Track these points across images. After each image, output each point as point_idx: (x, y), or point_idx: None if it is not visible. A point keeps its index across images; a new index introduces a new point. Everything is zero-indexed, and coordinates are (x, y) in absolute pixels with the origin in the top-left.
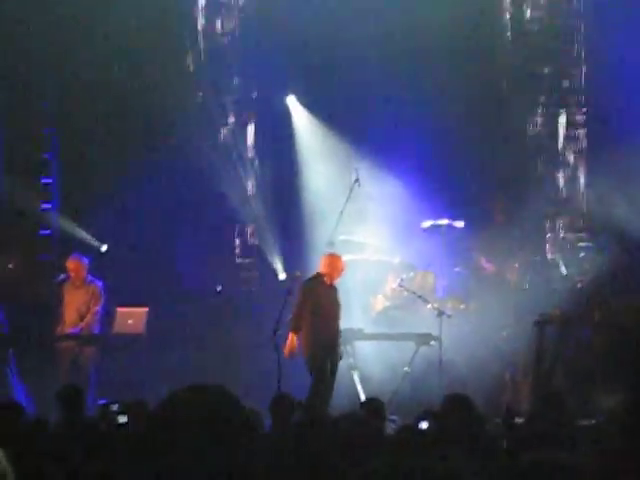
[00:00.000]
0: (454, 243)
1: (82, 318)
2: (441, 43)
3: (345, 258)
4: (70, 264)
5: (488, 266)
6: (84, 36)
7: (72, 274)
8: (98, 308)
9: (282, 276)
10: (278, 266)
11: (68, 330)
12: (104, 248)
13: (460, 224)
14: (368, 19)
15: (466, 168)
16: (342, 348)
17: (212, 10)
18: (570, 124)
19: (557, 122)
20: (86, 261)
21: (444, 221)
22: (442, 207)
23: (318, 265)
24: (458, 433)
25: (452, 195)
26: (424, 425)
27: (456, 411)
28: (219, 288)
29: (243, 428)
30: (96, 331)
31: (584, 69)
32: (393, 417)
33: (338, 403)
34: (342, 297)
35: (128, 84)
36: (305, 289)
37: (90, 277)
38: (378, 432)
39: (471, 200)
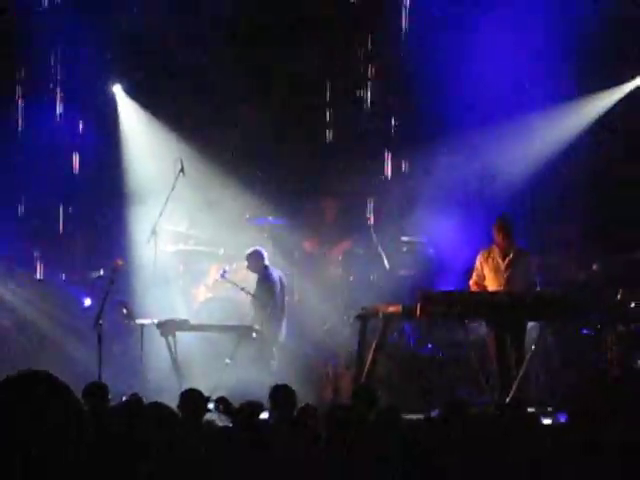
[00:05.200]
0: (279, 236)
1: None
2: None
3: (168, 249)
4: None
5: (309, 245)
6: None
7: None
8: None
9: (99, 273)
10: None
11: None
12: None
13: (282, 221)
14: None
15: (297, 163)
16: None
17: None
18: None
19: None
20: None
21: (269, 217)
22: (270, 199)
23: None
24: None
25: (282, 190)
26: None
27: (283, 402)
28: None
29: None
30: None
31: None
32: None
33: (158, 395)
34: (163, 288)
35: None
36: None
37: None
38: (196, 423)
39: (302, 196)
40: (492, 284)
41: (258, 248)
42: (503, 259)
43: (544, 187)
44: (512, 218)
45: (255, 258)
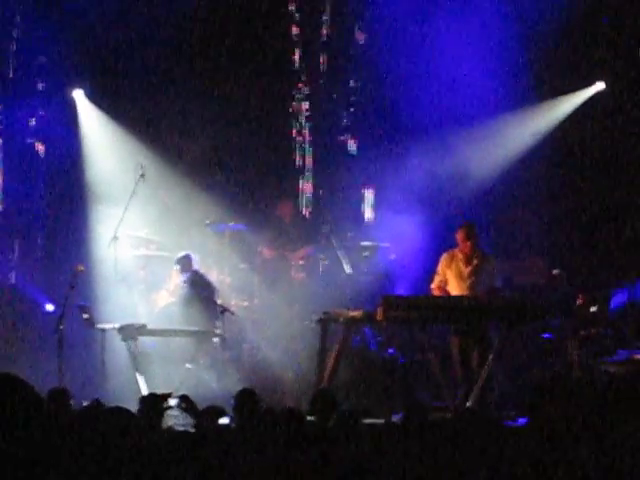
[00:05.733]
0: (238, 241)
1: None
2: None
3: (129, 253)
4: None
5: (268, 252)
6: None
7: None
8: None
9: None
10: None
11: None
12: None
13: (242, 227)
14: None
15: (256, 166)
16: None
17: None
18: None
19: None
20: None
21: (229, 223)
22: (230, 205)
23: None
24: (250, 429)
25: (240, 194)
26: (225, 420)
27: (246, 407)
28: None
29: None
30: None
31: None
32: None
33: (119, 400)
34: (124, 293)
35: None
36: None
37: None
38: (155, 427)
39: (260, 199)
40: (455, 290)
41: (189, 252)
42: (466, 265)
43: (507, 190)
44: (475, 225)
45: (188, 262)
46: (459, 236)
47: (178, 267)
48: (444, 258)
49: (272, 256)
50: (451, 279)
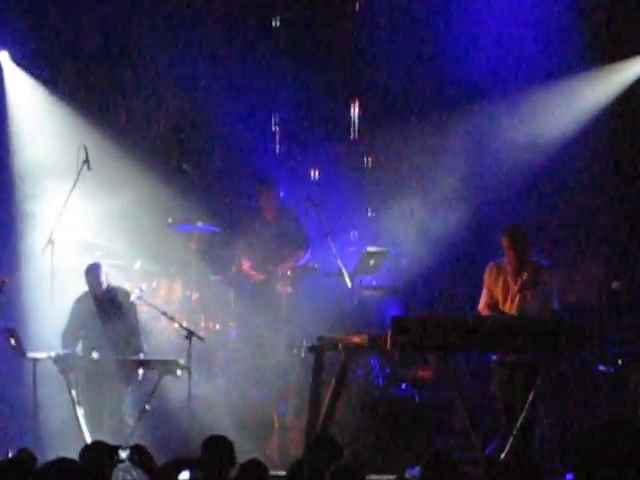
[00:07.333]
0: (209, 247)
1: None
2: None
3: (69, 262)
4: None
5: (254, 274)
6: None
7: None
8: None
9: None
10: None
11: None
12: None
13: (214, 228)
14: None
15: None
16: None
17: None
18: None
19: None
20: None
21: (198, 223)
22: (199, 201)
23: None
24: None
25: (212, 187)
26: (185, 476)
27: (216, 459)
28: None
29: None
30: None
31: None
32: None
33: (55, 450)
34: (63, 312)
35: None
36: None
37: None
38: None
39: (236, 198)
40: (505, 310)
41: (96, 262)
42: (515, 279)
43: (554, 179)
44: (524, 229)
45: (101, 273)
46: (504, 242)
47: (87, 280)
48: (490, 270)
49: (258, 278)
50: (500, 297)
